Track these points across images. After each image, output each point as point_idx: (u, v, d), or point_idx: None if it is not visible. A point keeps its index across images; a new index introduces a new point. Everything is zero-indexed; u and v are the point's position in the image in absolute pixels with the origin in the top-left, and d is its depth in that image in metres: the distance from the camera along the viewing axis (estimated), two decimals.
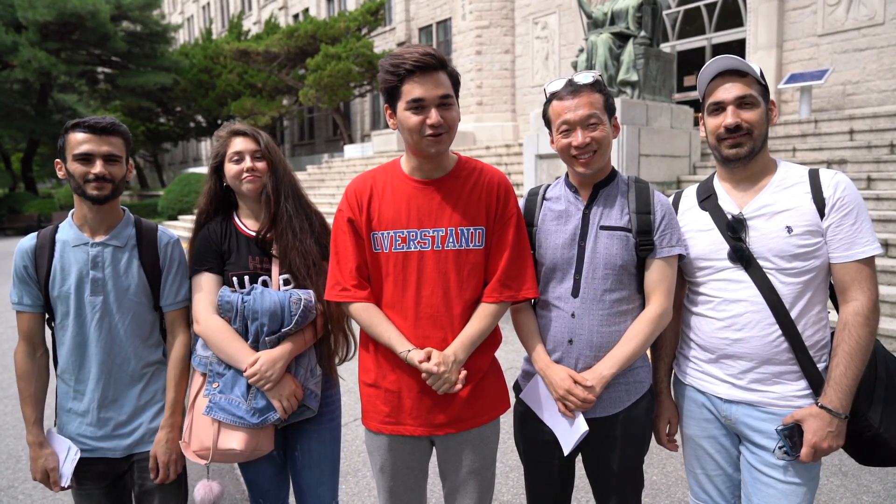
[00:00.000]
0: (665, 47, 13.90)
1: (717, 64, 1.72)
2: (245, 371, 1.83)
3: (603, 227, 1.80)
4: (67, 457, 1.89)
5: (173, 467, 1.93)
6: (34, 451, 1.89)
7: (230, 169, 1.98)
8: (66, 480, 1.89)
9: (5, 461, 3.68)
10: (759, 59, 12.73)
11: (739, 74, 1.70)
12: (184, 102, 29.02)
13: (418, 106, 1.64)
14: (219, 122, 31.23)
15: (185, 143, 40.25)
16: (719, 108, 1.72)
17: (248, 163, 1.96)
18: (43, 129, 22.93)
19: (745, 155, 1.70)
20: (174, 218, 19.62)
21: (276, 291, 1.92)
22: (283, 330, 1.88)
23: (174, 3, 44.22)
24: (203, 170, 31.94)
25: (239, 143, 1.99)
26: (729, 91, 1.70)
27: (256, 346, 1.88)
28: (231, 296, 1.88)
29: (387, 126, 23.70)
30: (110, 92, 26.24)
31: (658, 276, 1.78)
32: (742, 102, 1.68)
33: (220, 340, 1.87)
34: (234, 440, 1.83)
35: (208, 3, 39.73)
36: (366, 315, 1.77)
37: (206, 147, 40.94)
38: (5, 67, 21.70)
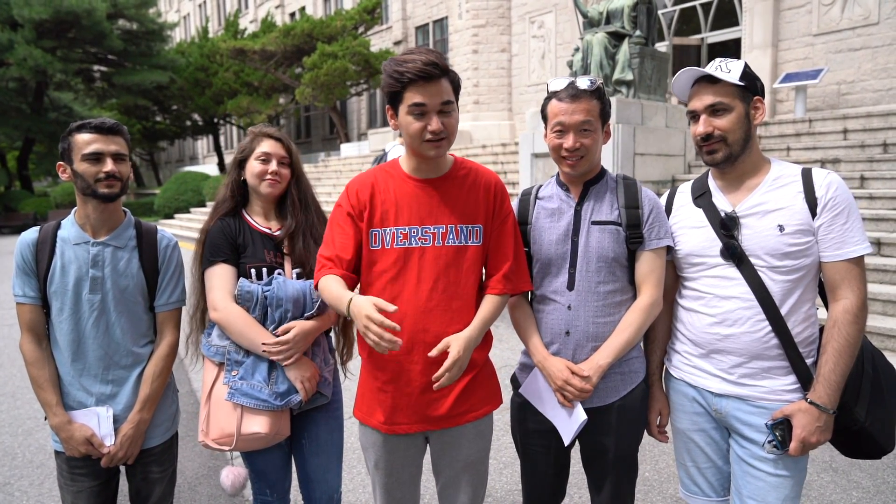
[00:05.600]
0: (661, 46, 13.95)
1: (686, 75, 1.76)
2: (278, 337, 1.88)
3: (594, 222, 1.86)
4: (99, 421, 1.90)
5: (122, 460, 1.94)
6: (64, 430, 1.86)
7: (254, 167, 2.03)
8: (110, 440, 1.90)
9: (1, 458, 3.68)
10: (754, 59, 12.77)
11: (711, 81, 1.72)
12: (180, 101, 28.94)
13: (420, 112, 1.66)
14: (215, 120, 31.22)
15: (182, 141, 40.18)
16: (695, 116, 1.76)
17: (273, 166, 2.02)
18: (39, 127, 22.85)
19: (721, 161, 1.72)
20: (170, 216, 19.53)
21: (296, 280, 1.98)
22: (305, 315, 1.95)
23: (170, 2, 44.11)
24: (200, 168, 31.99)
25: (268, 145, 2.04)
26: (701, 100, 1.73)
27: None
28: (251, 286, 1.93)
29: (384, 125, 23.71)
30: (106, 90, 26.15)
31: (648, 268, 1.84)
32: (713, 110, 1.71)
33: (242, 326, 1.91)
34: (258, 424, 1.87)
35: (204, 2, 39.66)
36: (324, 283, 1.72)
37: (202, 146, 40.88)
38: (1, 65, 21.60)
